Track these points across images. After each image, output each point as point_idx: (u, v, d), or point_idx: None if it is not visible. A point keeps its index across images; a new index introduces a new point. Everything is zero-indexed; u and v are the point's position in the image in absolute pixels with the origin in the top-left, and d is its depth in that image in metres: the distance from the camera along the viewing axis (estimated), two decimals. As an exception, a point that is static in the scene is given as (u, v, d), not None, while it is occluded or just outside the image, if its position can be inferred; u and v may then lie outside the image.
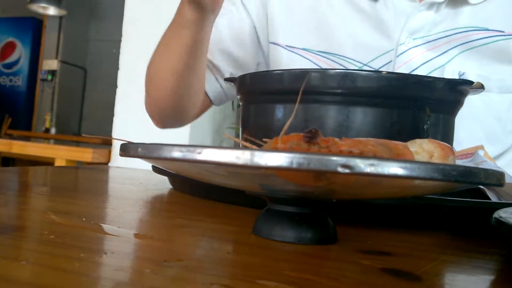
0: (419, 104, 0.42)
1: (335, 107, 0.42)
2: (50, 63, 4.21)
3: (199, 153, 0.23)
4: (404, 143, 0.31)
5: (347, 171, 0.22)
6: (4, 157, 3.45)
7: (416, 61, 0.67)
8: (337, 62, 0.70)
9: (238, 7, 0.77)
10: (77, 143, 2.93)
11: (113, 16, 3.82)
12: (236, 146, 0.49)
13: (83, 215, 0.35)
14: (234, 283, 0.21)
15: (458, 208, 0.38)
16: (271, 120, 0.46)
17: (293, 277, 0.23)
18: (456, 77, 0.66)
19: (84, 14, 4.36)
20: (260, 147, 0.30)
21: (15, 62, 4.45)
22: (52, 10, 3.82)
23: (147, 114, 0.84)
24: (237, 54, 0.76)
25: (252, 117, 0.49)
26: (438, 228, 0.39)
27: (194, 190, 0.51)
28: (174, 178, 0.55)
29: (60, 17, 4.18)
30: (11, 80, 4.45)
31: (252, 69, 0.78)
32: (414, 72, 0.66)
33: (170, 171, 0.49)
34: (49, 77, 4.21)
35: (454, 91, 0.44)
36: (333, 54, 0.71)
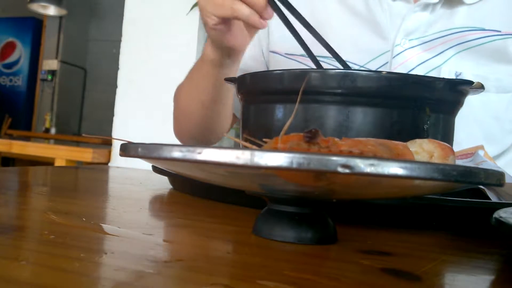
0: (419, 104, 0.42)
1: (335, 107, 0.42)
2: (50, 63, 4.21)
3: (199, 153, 0.23)
4: (404, 143, 0.31)
5: (347, 171, 0.22)
6: (4, 157, 3.45)
7: (412, 62, 0.67)
8: (334, 66, 0.70)
9: None
10: (77, 143, 2.93)
11: (113, 16, 3.82)
12: (236, 146, 0.49)
13: (83, 215, 0.35)
14: (234, 283, 0.21)
15: (458, 208, 0.38)
16: (271, 120, 0.46)
17: (293, 277, 0.23)
18: (453, 77, 0.66)
19: (84, 14, 4.36)
20: (260, 147, 0.30)
21: (15, 62, 4.45)
22: (52, 10, 3.81)
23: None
24: (251, 69, 0.77)
25: (252, 117, 0.49)
26: (438, 228, 0.39)
27: (194, 190, 0.51)
28: (174, 178, 0.55)
29: (60, 17, 4.18)
30: (11, 80, 4.45)
31: None
32: (411, 73, 0.66)
33: (170, 171, 0.49)
34: (49, 77, 4.21)
35: (454, 91, 0.44)
36: (330, 57, 0.71)
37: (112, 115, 1.51)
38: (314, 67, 0.56)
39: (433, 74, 0.66)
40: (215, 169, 0.26)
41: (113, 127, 1.51)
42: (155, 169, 0.57)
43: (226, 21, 0.55)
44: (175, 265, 0.24)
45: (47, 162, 2.58)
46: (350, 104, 0.42)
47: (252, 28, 0.59)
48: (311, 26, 0.53)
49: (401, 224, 0.39)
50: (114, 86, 1.52)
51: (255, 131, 0.48)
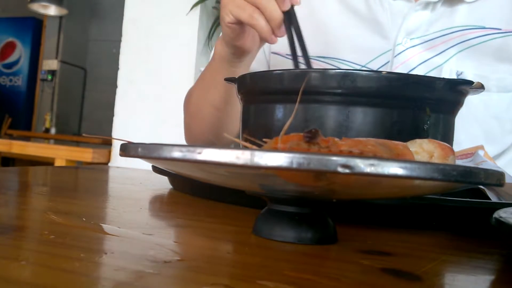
0: (419, 104, 0.42)
1: (335, 107, 0.42)
2: (50, 63, 4.21)
3: (199, 153, 0.23)
4: (404, 143, 0.31)
5: (347, 171, 0.22)
6: (4, 157, 3.45)
7: (413, 61, 0.67)
8: (335, 66, 0.70)
9: None
10: (77, 143, 2.93)
11: (113, 16, 3.82)
12: (236, 146, 0.49)
13: (83, 215, 0.35)
14: (234, 283, 0.21)
15: (458, 208, 0.38)
16: (271, 120, 0.46)
17: (293, 277, 0.23)
18: (454, 76, 0.66)
19: (84, 14, 4.36)
20: (260, 147, 0.30)
21: (15, 62, 4.45)
22: (53, 10, 3.81)
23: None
24: (254, 70, 0.78)
25: (252, 117, 0.49)
26: (438, 228, 0.39)
27: (194, 190, 0.51)
28: (174, 178, 0.55)
29: (60, 17, 4.18)
30: (11, 80, 4.45)
31: None
32: (412, 72, 0.66)
33: (170, 171, 0.49)
34: (49, 77, 4.21)
35: (454, 91, 0.44)
36: (331, 57, 0.71)
37: (112, 115, 1.51)
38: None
39: (434, 73, 0.66)
40: (215, 169, 0.26)
41: (113, 127, 1.51)
42: (155, 169, 0.57)
43: (241, 23, 0.57)
44: (175, 265, 0.24)
45: (47, 162, 2.58)
46: (350, 104, 0.42)
47: (263, 39, 0.60)
48: (307, 54, 0.54)
49: (401, 224, 0.39)
50: (114, 86, 1.52)
51: (255, 131, 0.48)
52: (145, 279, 0.21)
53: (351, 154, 0.26)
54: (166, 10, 1.48)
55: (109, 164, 1.50)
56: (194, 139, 0.80)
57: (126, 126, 1.49)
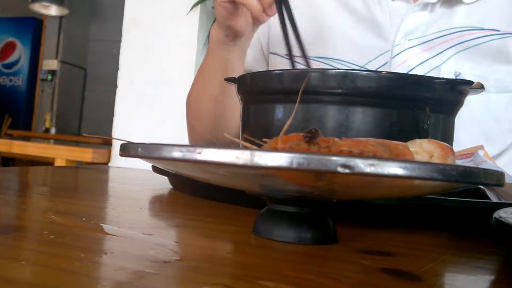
0: (419, 104, 0.42)
1: (335, 107, 0.42)
2: (50, 63, 4.21)
3: (199, 153, 0.23)
4: (404, 143, 0.31)
5: (347, 171, 0.22)
6: (4, 157, 3.45)
7: (412, 62, 0.67)
8: (334, 66, 0.70)
9: None
10: (77, 143, 2.93)
11: (113, 16, 3.82)
12: (236, 146, 0.49)
13: (83, 215, 0.35)
14: (234, 283, 0.21)
15: (458, 208, 0.38)
16: (271, 120, 0.46)
17: (293, 277, 0.23)
18: (453, 77, 0.66)
19: (84, 14, 4.36)
20: (260, 147, 0.30)
21: (15, 62, 4.45)
22: (54, 10, 3.81)
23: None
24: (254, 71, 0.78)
25: (252, 117, 0.49)
26: (438, 228, 0.39)
27: (194, 190, 0.51)
28: (174, 178, 0.55)
29: (60, 17, 4.18)
30: (11, 80, 4.45)
31: None
32: (410, 73, 0.66)
33: (170, 171, 0.48)
34: (49, 77, 4.21)
35: (454, 91, 0.44)
36: (330, 58, 0.71)
37: (112, 115, 1.51)
38: (313, 67, 0.56)
39: (432, 74, 0.66)
40: (215, 169, 0.26)
41: (113, 127, 1.51)
42: (155, 169, 0.57)
43: (234, 2, 0.58)
44: (175, 265, 0.24)
45: (47, 162, 2.58)
46: (350, 104, 0.42)
47: (254, 18, 0.62)
48: (298, 34, 0.56)
49: (401, 224, 0.39)
50: (114, 86, 1.52)
51: (255, 131, 0.48)
52: (145, 279, 0.21)
53: (351, 154, 0.26)
54: (166, 10, 1.48)
55: (109, 164, 1.50)
56: (196, 140, 0.80)
57: (126, 126, 1.49)
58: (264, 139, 0.30)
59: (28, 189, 0.54)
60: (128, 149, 0.28)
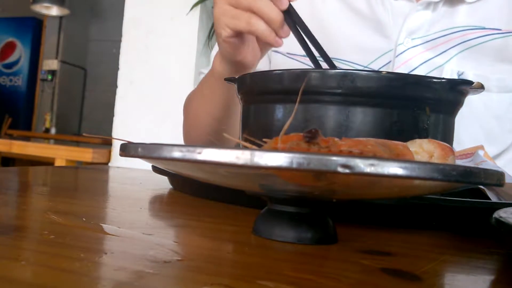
0: (419, 104, 0.42)
1: (335, 107, 0.42)
2: (50, 63, 4.22)
3: (199, 153, 0.23)
4: (404, 143, 0.31)
5: (347, 171, 0.22)
6: (4, 157, 3.45)
7: (415, 61, 0.67)
8: (337, 66, 0.70)
9: None
10: (77, 143, 2.94)
11: (113, 16, 3.82)
12: (236, 146, 0.49)
13: (83, 215, 0.35)
14: (234, 283, 0.21)
15: (458, 208, 0.38)
16: (271, 120, 0.46)
17: (293, 277, 0.23)
18: (455, 77, 0.66)
19: (84, 14, 4.36)
20: (260, 147, 0.30)
21: (15, 62, 4.45)
22: (55, 10, 3.81)
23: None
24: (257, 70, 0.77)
25: (252, 117, 0.49)
26: (438, 228, 0.39)
27: (194, 190, 0.51)
28: (174, 178, 0.55)
29: (60, 17, 4.18)
30: (11, 80, 4.45)
31: None
32: (413, 72, 0.66)
33: (170, 171, 0.48)
34: (49, 77, 4.21)
35: (454, 91, 0.44)
36: (333, 58, 0.71)
37: (112, 115, 1.51)
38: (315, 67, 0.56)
39: (435, 73, 0.66)
40: (215, 169, 0.26)
41: (113, 127, 1.51)
42: (155, 169, 0.57)
43: (240, 34, 0.53)
44: (175, 265, 0.24)
45: (47, 162, 2.58)
46: (350, 104, 0.42)
47: (265, 45, 0.57)
48: (321, 47, 0.52)
49: (401, 224, 0.39)
50: (114, 86, 1.52)
51: (255, 131, 0.48)
52: (145, 279, 0.21)
53: (351, 154, 0.26)
54: (166, 10, 1.48)
55: (109, 164, 1.50)
56: (192, 142, 0.80)
57: (126, 126, 1.49)
58: (264, 139, 0.30)
59: (28, 189, 0.54)
60: (128, 149, 0.28)
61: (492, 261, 0.31)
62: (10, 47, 4.48)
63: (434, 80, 0.42)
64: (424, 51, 0.67)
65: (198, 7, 1.47)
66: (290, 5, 0.50)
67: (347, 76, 0.41)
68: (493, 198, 0.44)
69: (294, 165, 0.22)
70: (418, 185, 0.25)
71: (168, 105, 1.43)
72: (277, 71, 0.45)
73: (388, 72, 0.42)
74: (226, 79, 0.53)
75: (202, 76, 0.82)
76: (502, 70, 0.66)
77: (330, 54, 0.71)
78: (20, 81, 4.41)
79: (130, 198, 0.49)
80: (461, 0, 0.67)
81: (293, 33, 0.51)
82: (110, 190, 0.60)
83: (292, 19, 0.51)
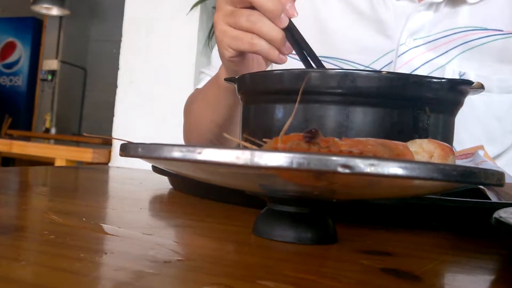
0: (419, 104, 0.42)
1: (335, 107, 0.42)
2: (50, 63, 4.22)
3: (199, 153, 0.23)
4: (404, 143, 0.31)
5: (347, 171, 0.22)
6: (4, 157, 3.45)
7: (417, 61, 0.67)
8: (338, 66, 0.70)
9: None
10: (77, 143, 2.94)
11: (113, 16, 3.82)
12: (236, 147, 0.49)
13: (83, 215, 0.35)
14: (234, 283, 0.21)
15: (458, 208, 0.38)
16: (271, 120, 0.46)
17: (293, 277, 0.23)
18: (457, 77, 0.66)
19: (84, 14, 4.36)
20: (260, 147, 0.30)
21: (15, 62, 4.45)
22: (55, 11, 3.82)
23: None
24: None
25: (252, 117, 0.49)
26: (438, 228, 0.39)
27: (194, 190, 0.51)
28: (174, 178, 0.55)
29: (60, 17, 4.18)
30: (11, 80, 4.45)
31: None
32: (415, 72, 0.66)
33: (170, 171, 0.48)
34: (49, 77, 4.22)
35: (454, 91, 0.44)
36: (335, 58, 0.71)
37: (112, 115, 1.51)
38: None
39: (437, 73, 0.66)
40: (215, 169, 0.26)
41: (113, 127, 1.51)
42: (155, 169, 0.57)
43: (243, 53, 0.54)
44: (175, 265, 0.24)
45: (47, 162, 2.58)
46: (350, 104, 0.42)
47: (268, 60, 0.57)
48: (320, 62, 0.52)
49: (401, 224, 0.39)
50: (114, 86, 1.52)
51: (255, 131, 0.48)
52: (145, 279, 0.21)
53: (351, 154, 0.26)
54: (166, 10, 1.48)
55: (109, 164, 1.50)
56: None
57: (126, 126, 1.49)
58: (264, 139, 0.30)
59: (28, 189, 0.54)
60: (128, 149, 0.28)
61: (492, 261, 0.31)
62: (10, 47, 4.48)
63: (434, 80, 0.42)
64: (426, 51, 0.67)
65: (198, 7, 1.47)
66: (290, 21, 0.50)
67: (347, 76, 0.41)
68: (493, 198, 0.44)
69: (294, 165, 0.22)
70: (418, 185, 0.25)
71: (168, 105, 1.43)
72: (277, 71, 0.45)
73: (388, 72, 0.42)
74: (226, 79, 0.53)
75: (202, 75, 0.81)
76: (504, 70, 0.66)
77: (332, 53, 0.71)
78: (20, 81, 4.41)
79: (130, 198, 0.49)
80: (463, 1, 0.67)
81: (294, 49, 0.52)
82: (110, 190, 0.60)
83: (292, 35, 0.51)
